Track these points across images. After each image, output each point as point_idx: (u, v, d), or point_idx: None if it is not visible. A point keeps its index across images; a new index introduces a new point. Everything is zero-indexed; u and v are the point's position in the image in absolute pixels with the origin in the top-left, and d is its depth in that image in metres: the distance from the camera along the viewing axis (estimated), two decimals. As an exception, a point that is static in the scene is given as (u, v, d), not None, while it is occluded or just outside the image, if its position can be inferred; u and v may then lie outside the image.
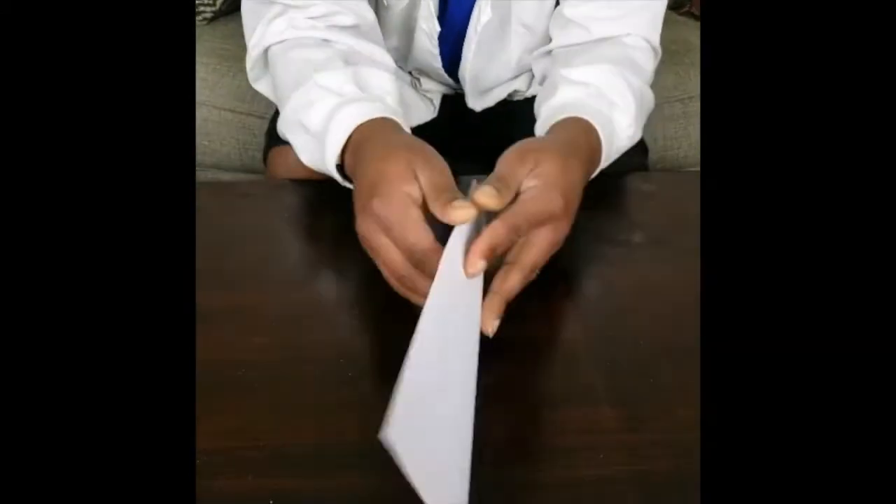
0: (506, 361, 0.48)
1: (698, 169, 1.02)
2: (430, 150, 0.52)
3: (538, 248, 0.50)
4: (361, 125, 0.56)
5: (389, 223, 0.48)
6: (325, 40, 0.65)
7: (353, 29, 0.67)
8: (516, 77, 0.84)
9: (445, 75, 0.83)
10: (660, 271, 0.58)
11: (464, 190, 0.50)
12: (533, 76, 0.84)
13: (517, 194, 0.50)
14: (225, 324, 0.51)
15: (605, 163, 0.62)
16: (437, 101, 0.87)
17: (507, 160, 0.52)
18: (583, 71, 0.64)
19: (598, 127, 0.59)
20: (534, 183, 0.51)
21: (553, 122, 0.60)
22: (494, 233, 0.47)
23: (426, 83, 0.86)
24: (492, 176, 0.50)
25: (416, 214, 0.48)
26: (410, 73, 0.86)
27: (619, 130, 0.63)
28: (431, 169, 0.49)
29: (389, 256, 0.49)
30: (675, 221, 0.60)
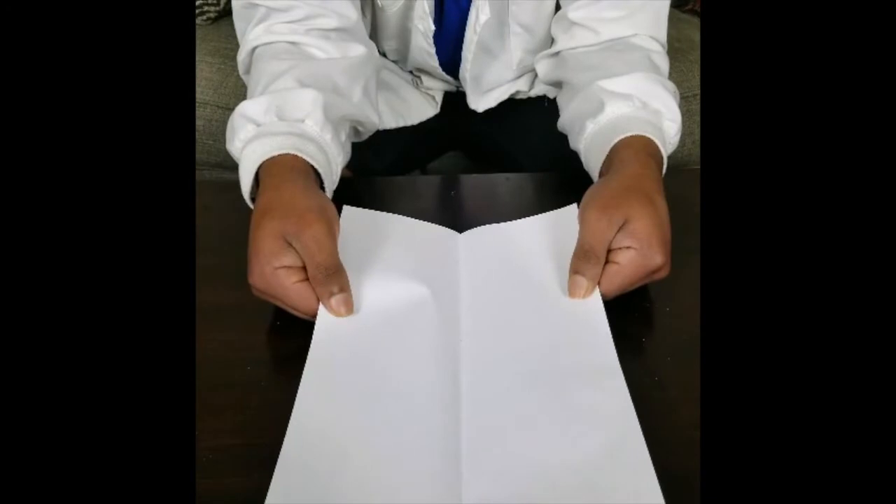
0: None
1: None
2: (312, 212, 0.51)
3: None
4: (263, 164, 0.56)
5: (272, 296, 0.50)
6: (296, 45, 0.65)
7: (336, 31, 0.67)
8: (518, 78, 0.84)
9: (445, 74, 0.83)
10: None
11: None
12: (535, 76, 0.84)
13: (609, 250, 0.52)
14: (229, 322, 0.51)
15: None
16: (440, 98, 0.87)
17: (591, 223, 0.52)
18: (622, 82, 0.63)
19: (658, 142, 0.60)
20: (629, 243, 0.51)
21: (612, 143, 0.59)
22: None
23: (427, 81, 0.86)
24: (578, 244, 0.52)
25: (292, 282, 0.50)
26: (411, 72, 0.86)
27: (668, 139, 0.63)
28: (307, 239, 0.49)
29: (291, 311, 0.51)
30: (679, 220, 0.60)
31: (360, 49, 0.67)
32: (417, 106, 0.86)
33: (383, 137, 0.81)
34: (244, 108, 0.59)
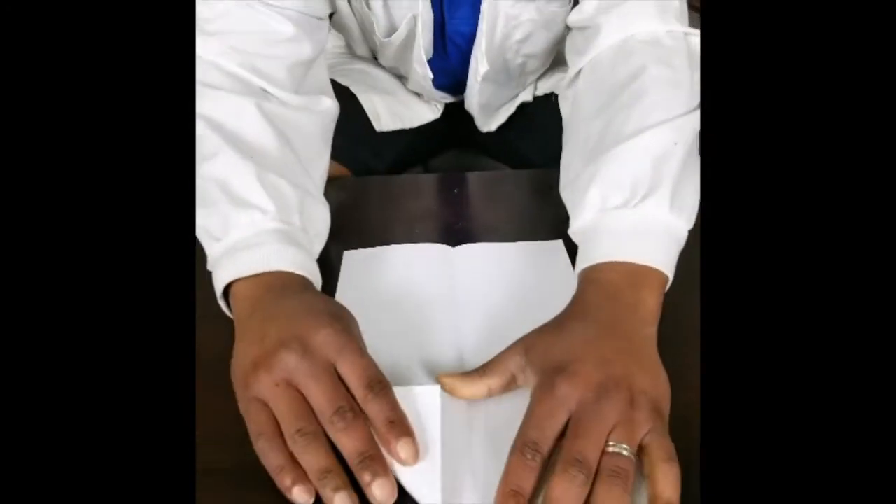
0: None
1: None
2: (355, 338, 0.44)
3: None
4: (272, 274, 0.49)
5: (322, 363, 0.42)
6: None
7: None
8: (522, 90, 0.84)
9: (447, 97, 0.83)
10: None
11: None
12: (537, 81, 0.83)
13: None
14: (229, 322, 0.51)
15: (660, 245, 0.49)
16: (441, 106, 0.87)
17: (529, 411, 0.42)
18: (615, 162, 0.52)
19: (643, 260, 0.48)
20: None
21: (579, 270, 0.51)
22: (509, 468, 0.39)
23: (427, 94, 0.85)
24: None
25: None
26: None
27: (654, 219, 0.50)
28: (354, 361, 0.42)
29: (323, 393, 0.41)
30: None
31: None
32: (418, 110, 0.85)
33: (382, 138, 0.81)
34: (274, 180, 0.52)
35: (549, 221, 0.60)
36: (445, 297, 0.54)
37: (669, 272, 0.48)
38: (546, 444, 0.39)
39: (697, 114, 0.54)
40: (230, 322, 0.49)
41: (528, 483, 0.38)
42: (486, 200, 0.72)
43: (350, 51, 0.86)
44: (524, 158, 0.83)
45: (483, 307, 0.53)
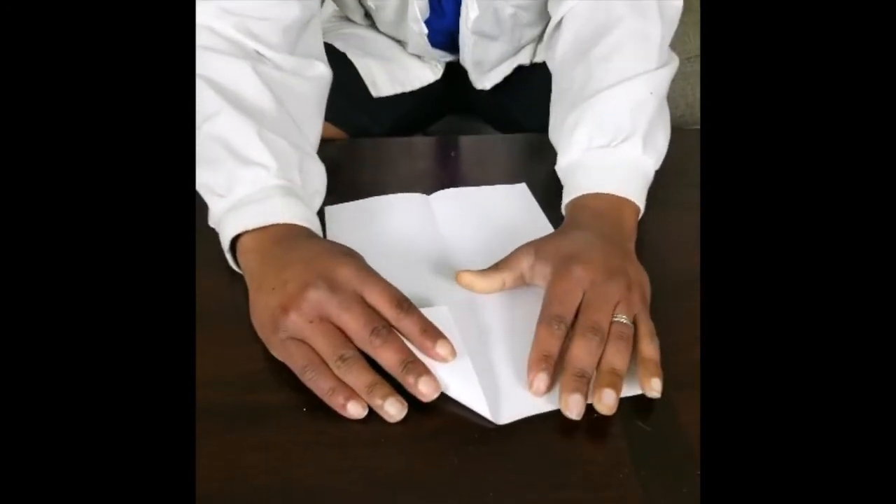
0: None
1: (695, 128, 1.02)
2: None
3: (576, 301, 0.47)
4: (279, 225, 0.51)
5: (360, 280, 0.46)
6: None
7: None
8: (519, 52, 0.84)
9: (446, 55, 0.84)
10: (660, 228, 0.59)
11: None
12: (536, 47, 0.84)
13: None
14: (228, 322, 0.50)
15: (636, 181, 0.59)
16: (441, 66, 0.87)
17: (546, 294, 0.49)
18: (595, 110, 0.60)
19: (621, 193, 0.57)
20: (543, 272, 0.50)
21: (566, 200, 0.59)
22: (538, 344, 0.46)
23: (427, 55, 0.86)
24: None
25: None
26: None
27: (630, 159, 0.59)
28: (378, 282, 0.46)
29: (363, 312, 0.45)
30: (676, 178, 0.61)
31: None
32: (417, 72, 0.86)
33: (381, 104, 0.82)
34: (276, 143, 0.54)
35: (536, 181, 0.66)
36: (430, 236, 0.59)
37: (640, 203, 0.58)
38: (569, 316, 0.46)
39: (669, 67, 0.63)
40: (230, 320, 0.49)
41: (555, 348, 0.45)
42: (477, 162, 0.75)
43: (346, 17, 0.87)
44: (515, 123, 0.85)
45: (463, 241, 0.59)
